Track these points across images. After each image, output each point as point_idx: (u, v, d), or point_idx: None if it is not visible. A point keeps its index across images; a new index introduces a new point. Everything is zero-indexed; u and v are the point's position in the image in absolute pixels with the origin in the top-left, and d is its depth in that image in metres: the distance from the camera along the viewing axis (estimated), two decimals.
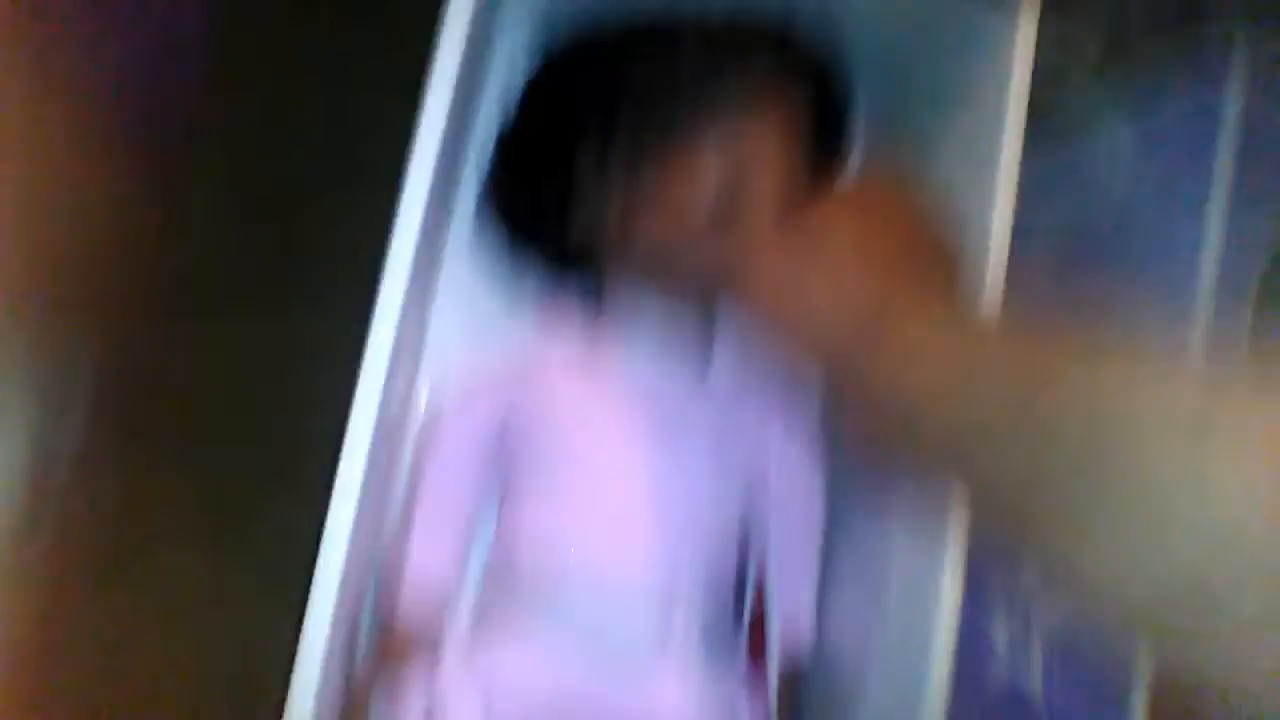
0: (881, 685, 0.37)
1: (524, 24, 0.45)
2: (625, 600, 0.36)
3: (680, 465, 0.39)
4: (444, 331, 0.45)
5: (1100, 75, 0.53)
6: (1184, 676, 0.23)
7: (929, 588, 0.34)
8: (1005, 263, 0.37)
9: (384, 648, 0.37)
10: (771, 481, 0.41)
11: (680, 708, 0.36)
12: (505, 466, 0.40)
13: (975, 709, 0.47)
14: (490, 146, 0.44)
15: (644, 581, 0.37)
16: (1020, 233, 0.37)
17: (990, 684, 0.47)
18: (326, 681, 0.30)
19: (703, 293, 0.39)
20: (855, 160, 0.47)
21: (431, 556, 0.38)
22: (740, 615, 0.42)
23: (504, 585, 0.38)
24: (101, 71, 0.43)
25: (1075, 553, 0.24)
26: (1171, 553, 0.21)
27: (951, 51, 0.41)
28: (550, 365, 0.41)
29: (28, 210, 0.41)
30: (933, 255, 0.35)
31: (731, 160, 0.38)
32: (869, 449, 0.37)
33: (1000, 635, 0.48)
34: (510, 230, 0.43)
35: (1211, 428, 0.22)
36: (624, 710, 0.35)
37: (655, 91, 0.38)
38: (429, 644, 0.37)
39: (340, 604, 0.30)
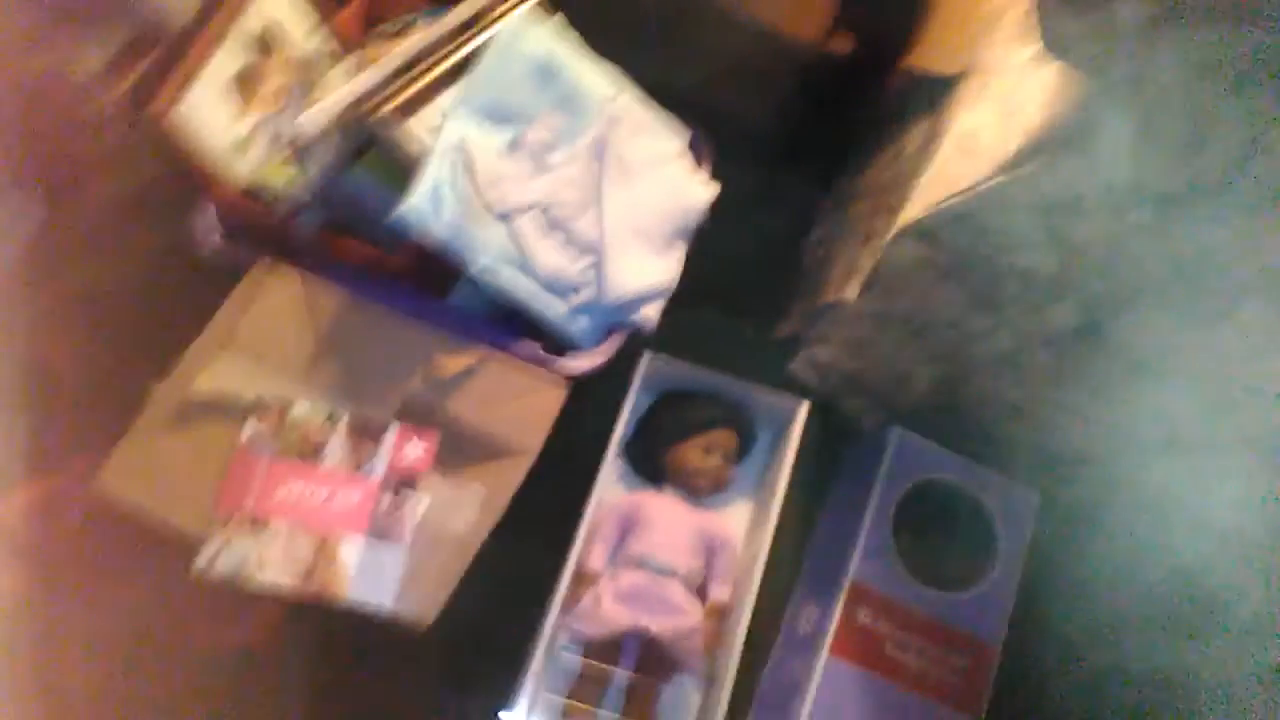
0: None
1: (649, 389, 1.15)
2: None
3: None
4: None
5: None
6: None
7: None
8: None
9: (576, 581, 1.04)
10: None
11: None
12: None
13: None
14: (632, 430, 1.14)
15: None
16: None
17: None
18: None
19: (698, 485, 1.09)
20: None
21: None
22: None
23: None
24: None
25: None
26: None
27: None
28: (642, 495, 1.12)
29: None
30: None
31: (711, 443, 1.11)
32: None
33: None
34: (635, 459, 1.14)
35: None
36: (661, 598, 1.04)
37: (683, 420, 1.10)
38: (593, 578, 1.06)
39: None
